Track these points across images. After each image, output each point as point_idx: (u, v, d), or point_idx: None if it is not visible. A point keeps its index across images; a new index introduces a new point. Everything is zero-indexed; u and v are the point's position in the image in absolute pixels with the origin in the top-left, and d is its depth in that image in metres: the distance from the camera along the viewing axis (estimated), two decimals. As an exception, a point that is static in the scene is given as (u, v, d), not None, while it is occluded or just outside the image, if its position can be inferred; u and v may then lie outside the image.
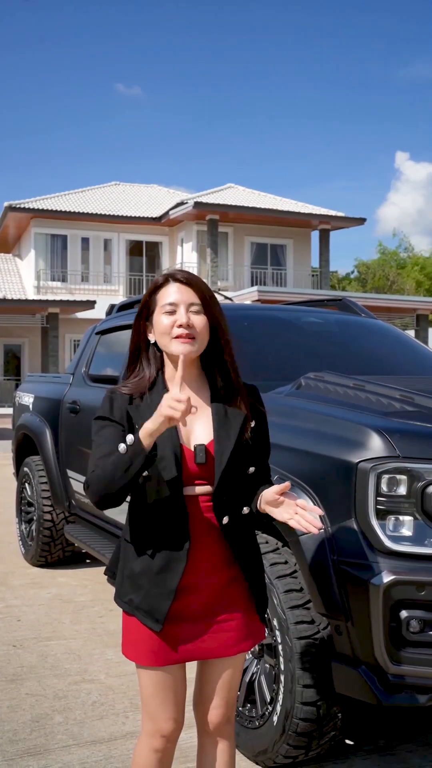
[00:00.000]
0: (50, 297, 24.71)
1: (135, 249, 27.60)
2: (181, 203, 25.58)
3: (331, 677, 2.44)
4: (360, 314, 4.54)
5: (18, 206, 25.56)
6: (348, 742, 2.89)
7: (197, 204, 24.56)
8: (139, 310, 1.91)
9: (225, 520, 1.83)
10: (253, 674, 2.75)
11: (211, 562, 1.85)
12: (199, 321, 1.84)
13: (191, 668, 2.01)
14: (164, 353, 1.89)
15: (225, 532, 1.84)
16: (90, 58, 75.77)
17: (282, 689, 2.51)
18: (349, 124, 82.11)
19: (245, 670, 2.78)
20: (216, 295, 2.05)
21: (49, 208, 25.81)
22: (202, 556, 1.83)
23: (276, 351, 3.83)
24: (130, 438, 1.73)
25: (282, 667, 2.51)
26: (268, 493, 1.82)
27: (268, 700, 2.62)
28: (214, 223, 25.15)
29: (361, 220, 27.30)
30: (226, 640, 1.87)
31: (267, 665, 2.68)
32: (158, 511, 1.81)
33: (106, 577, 2.00)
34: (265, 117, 79.80)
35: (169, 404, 1.65)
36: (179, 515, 1.80)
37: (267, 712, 2.61)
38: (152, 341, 1.89)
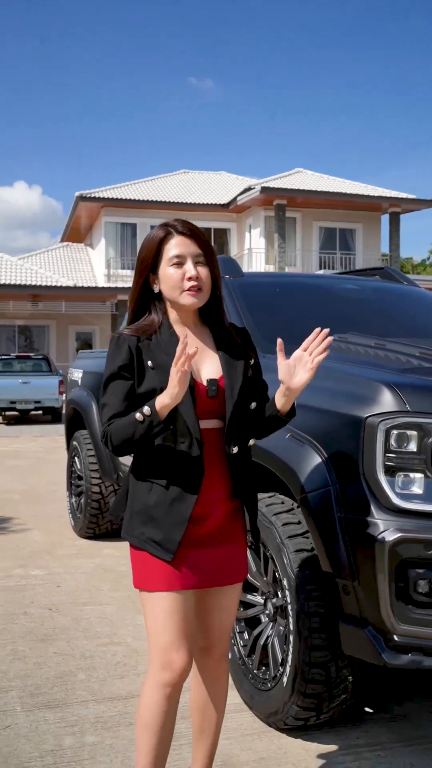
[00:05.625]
0: (120, 285, 25.05)
1: (203, 236, 27.64)
2: (249, 189, 25.45)
3: (339, 638, 2.38)
4: (402, 282, 4.41)
5: (88, 196, 25.97)
6: (367, 709, 2.82)
7: (264, 189, 24.37)
8: (143, 264, 1.96)
9: (234, 449, 1.92)
10: (267, 637, 2.72)
11: (218, 493, 1.93)
12: (204, 272, 1.92)
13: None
14: (168, 301, 1.96)
15: (232, 463, 1.93)
16: (164, 52, 76.24)
17: (291, 650, 2.47)
18: (421, 105, 79.93)
19: (260, 633, 2.76)
20: None
21: (119, 197, 26.12)
22: (211, 487, 1.90)
23: (309, 316, 3.75)
24: (146, 410, 1.80)
25: (291, 627, 2.47)
26: (281, 373, 1.93)
27: (280, 661, 2.58)
28: (281, 208, 24.92)
29: (433, 202, 26.56)
30: (228, 569, 1.97)
31: (280, 627, 2.64)
32: (174, 444, 1.86)
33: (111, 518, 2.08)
34: (336, 102, 78.55)
35: (173, 377, 1.76)
36: (195, 447, 1.86)
37: (278, 674, 2.57)
38: (156, 291, 1.96)
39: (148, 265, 1.94)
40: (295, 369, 1.94)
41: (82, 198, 26.00)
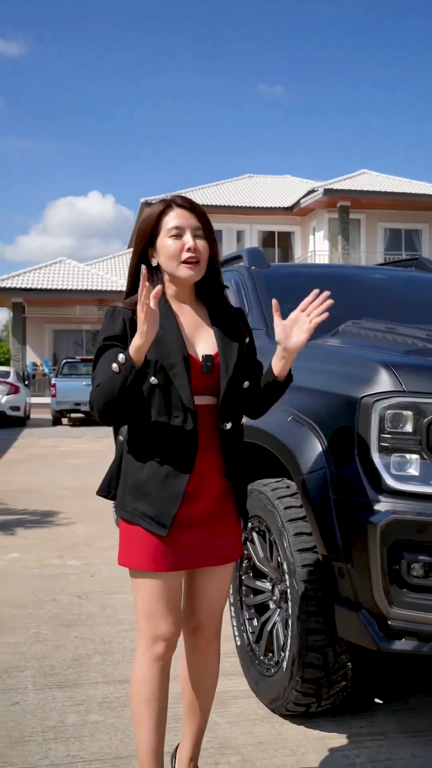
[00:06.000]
0: (183, 289, 25.25)
1: (268, 240, 27.62)
2: (312, 191, 25.31)
3: (335, 622, 2.34)
4: (435, 272, 4.31)
5: (153, 202, 26.31)
6: (377, 700, 2.76)
7: (327, 191, 24.20)
8: (142, 236, 1.96)
9: (228, 426, 1.92)
10: (274, 623, 2.69)
11: (211, 470, 1.92)
12: (202, 245, 1.93)
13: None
14: (164, 274, 1.96)
15: (225, 440, 1.92)
16: (234, 60, 76.76)
17: (290, 634, 2.45)
18: None
19: (267, 620, 2.74)
20: None
21: (183, 203, 26.36)
22: (204, 464, 1.90)
23: (333, 306, 3.70)
24: (121, 357, 1.78)
25: (290, 611, 2.45)
26: (278, 334, 1.94)
27: (282, 646, 2.56)
28: (345, 209, 24.67)
29: None
30: (222, 549, 1.96)
31: (284, 612, 2.61)
32: (168, 419, 1.87)
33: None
34: (405, 102, 77.37)
35: (140, 314, 1.73)
36: (190, 421, 1.86)
37: (280, 659, 2.55)
38: (154, 264, 1.96)
39: (146, 237, 1.95)
40: (292, 330, 1.94)
41: (147, 204, 26.36)
